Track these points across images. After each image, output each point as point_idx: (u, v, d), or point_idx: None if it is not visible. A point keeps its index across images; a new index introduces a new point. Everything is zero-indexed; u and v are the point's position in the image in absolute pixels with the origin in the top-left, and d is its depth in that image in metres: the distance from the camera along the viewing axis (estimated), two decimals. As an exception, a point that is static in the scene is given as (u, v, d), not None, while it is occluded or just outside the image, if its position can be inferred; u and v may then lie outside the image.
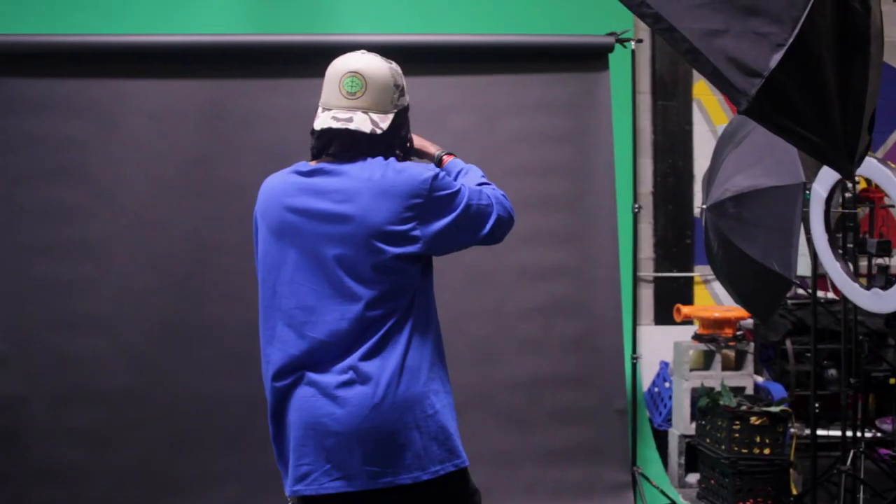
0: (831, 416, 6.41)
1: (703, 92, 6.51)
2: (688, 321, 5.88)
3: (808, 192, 3.54)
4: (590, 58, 4.56)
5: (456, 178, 2.60)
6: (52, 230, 4.29)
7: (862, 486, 4.83)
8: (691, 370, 5.66)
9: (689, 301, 6.34)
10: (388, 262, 2.35)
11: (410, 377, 2.37)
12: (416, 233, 2.38)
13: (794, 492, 5.20)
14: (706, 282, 6.44)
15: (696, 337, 5.70)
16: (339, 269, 2.37)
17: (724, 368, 5.68)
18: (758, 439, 5.10)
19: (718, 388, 5.36)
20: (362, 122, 2.41)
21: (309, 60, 4.37)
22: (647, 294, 6.37)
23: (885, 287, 3.22)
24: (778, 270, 3.56)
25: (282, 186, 2.50)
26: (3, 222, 4.27)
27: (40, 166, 4.29)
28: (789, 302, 6.11)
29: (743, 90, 2.03)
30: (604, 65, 4.57)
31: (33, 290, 4.28)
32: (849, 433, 6.07)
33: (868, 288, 3.24)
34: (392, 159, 2.44)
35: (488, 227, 2.50)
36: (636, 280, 4.73)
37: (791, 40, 2.03)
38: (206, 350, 4.34)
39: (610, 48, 4.56)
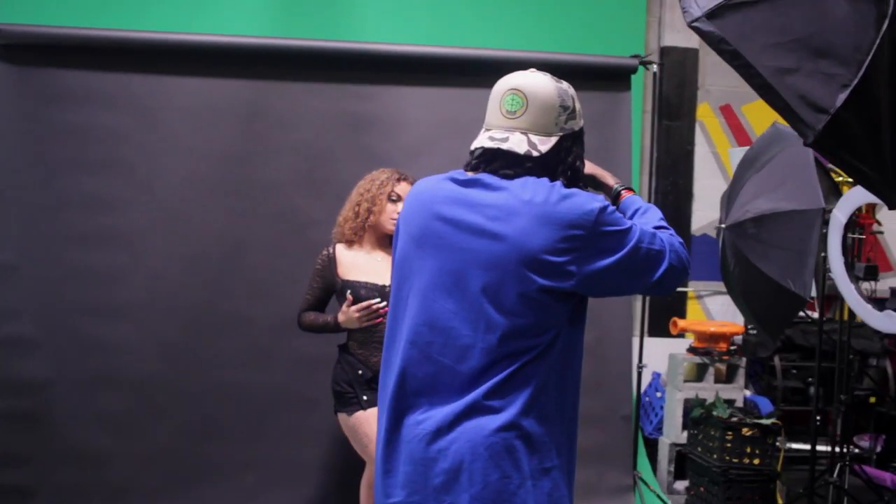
0: (815, 432, 6.68)
1: (706, 114, 6.76)
2: (679, 335, 6.10)
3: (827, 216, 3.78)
4: (613, 78, 4.76)
5: (632, 217, 2.39)
6: (89, 219, 4.40)
7: (846, 498, 5.08)
8: (685, 382, 5.88)
9: (681, 315, 6.56)
10: (535, 293, 2.13)
11: (537, 421, 2.16)
12: (572, 268, 2.14)
13: (780, 502, 5.43)
14: (699, 297, 6.68)
15: (692, 350, 5.91)
16: (480, 292, 2.16)
17: (716, 381, 5.90)
18: (748, 450, 5.32)
19: (711, 400, 5.59)
20: (518, 143, 2.23)
21: (343, 66, 4.59)
22: (641, 307, 6.58)
23: (898, 310, 3.44)
24: (794, 290, 3.78)
25: (433, 192, 2.32)
26: (42, 210, 4.37)
27: (80, 157, 4.40)
28: (779, 320, 6.36)
29: (811, 125, 2.23)
30: (626, 85, 4.78)
31: (67, 277, 4.38)
32: (825, 447, 6.35)
33: (881, 310, 3.46)
34: (558, 183, 2.23)
35: (658, 274, 2.23)
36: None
37: (856, 81, 2.23)
38: (232, 342, 4.47)
39: (633, 69, 4.76)
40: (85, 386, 4.38)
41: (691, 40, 6.69)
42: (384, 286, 3.63)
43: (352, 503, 4.36)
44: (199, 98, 4.49)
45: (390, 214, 3.69)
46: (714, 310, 6.67)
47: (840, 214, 3.61)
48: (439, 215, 2.25)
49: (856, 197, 3.66)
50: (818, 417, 4.64)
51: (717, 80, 6.84)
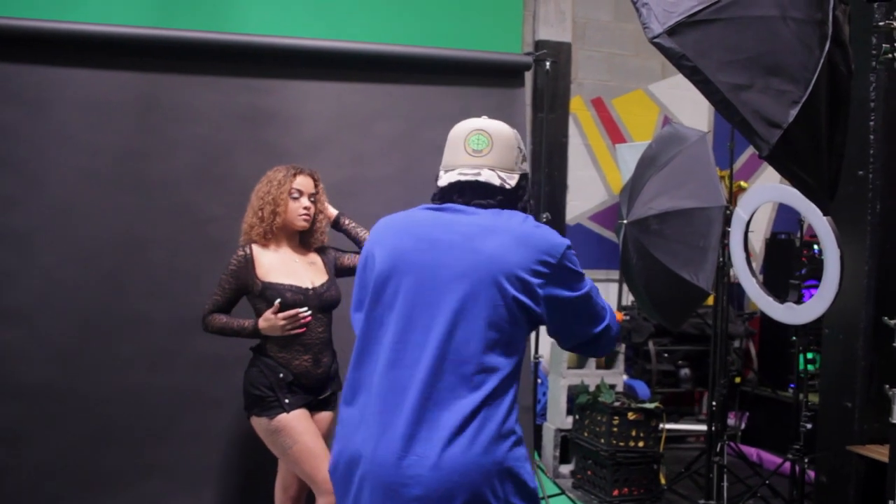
0: (682, 412, 7.03)
1: (579, 107, 6.96)
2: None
3: (728, 212, 3.97)
4: (509, 74, 4.84)
5: None
6: (-25, 218, 4.16)
7: (725, 475, 5.37)
8: (568, 369, 6.06)
9: (558, 302, 6.75)
10: (511, 303, 2.19)
11: (513, 442, 2.19)
12: (541, 291, 2.23)
13: (663, 481, 5.68)
14: (574, 285, 6.87)
15: (573, 337, 6.08)
16: (457, 308, 2.19)
17: (597, 367, 6.11)
18: (633, 433, 5.55)
19: (594, 386, 5.79)
20: (490, 177, 2.34)
21: (240, 59, 4.49)
22: (519, 296, 6.74)
23: (797, 302, 3.65)
24: (697, 283, 3.96)
25: (406, 218, 2.38)
26: (-76, 208, 4.10)
27: (-37, 152, 4.15)
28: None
29: (766, 139, 2.35)
30: (520, 82, 4.87)
31: (-49, 280, 4.13)
32: (696, 427, 6.68)
33: (782, 302, 3.67)
34: (530, 216, 2.37)
35: (599, 328, 2.41)
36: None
37: (805, 98, 2.37)
38: (129, 344, 4.30)
39: (528, 66, 4.86)
40: (-27, 395, 4.14)
41: (564, 34, 6.87)
42: (308, 289, 3.58)
43: (258, 503, 4.32)
44: (92, 90, 4.28)
45: (296, 211, 3.61)
46: (589, 297, 6.89)
47: (742, 212, 3.81)
48: (416, 236, 2.31)
49: (757, 197, 3.87)
50: (714, 399, 4.85)
51: (588, 73, 7.06)
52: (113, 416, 4.27)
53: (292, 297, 3.52)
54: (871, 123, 3.88)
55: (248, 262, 3.57)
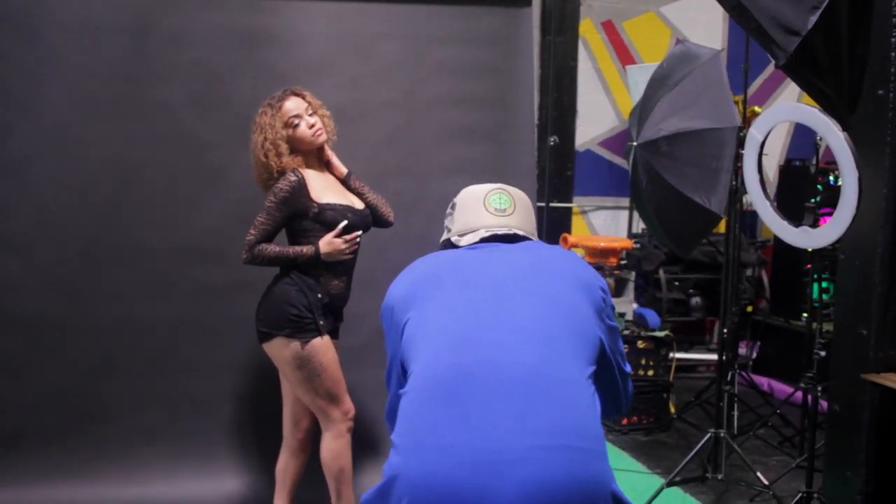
0: (693, 341, 6.96)
1: (589, 30, 6.77)
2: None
3: (742, 134, 3.83)
4: (515, -7, 4.66)
5: None
6: (-35, 147, 4.05)
7: (736, 403, 5.31)
8: (577, 296, 5.97)
9: (567, 230, 6.64)
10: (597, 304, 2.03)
11: None
12: (603, 311, 2.06)
13: (672, 410, 5.63)
14: (583, 212, 6.76)
15: (582, 265, 5.99)
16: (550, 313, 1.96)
17: (607, 295, 6.02)
18: (643, 362, 5.49)
19: (604, 314, 5.70)
20: (525, 234, 2.20)
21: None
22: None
23: (813, 225, 3.53)
24: (709, 207, 3.84)
25: (445, 254, 2.18)
26: (-90, 136, 3.99)
27: (-51, 79, 4.02)
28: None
29: (783, 47, 2.22)
30: (528, 2, 4.68)
31: (-59, 209, 4.04)
32: (706, 356, 6.61)
33: (797, 226, 3.54)
34: None
35: (628, 367, 2.21)
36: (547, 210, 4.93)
37: (825, 3, 2.23)
38: (127, 273, 4.21)
39: (535, -15, 4.70)
40: (-33, 326, 4.08)
41: (573, -45, 6.66)
42: (359, 210, 3.53)
43: (259, 435, 4.27)
44: (84, 12, 4.11)
45: (307, 135, 3.48)
46: (597, 224, 6.78)
47: (757, 133, 3.66)
48: (472, 261, 2.10)
49: (773, 116, 3.71)
50: (725, 328, 4.74)
51: (598, -5, 6.86)
52: (112, 346, 4.20)
53: (353, 217, 3.45)
54: (893, 40, 3.69)
55: (302, 185, 3.40)
